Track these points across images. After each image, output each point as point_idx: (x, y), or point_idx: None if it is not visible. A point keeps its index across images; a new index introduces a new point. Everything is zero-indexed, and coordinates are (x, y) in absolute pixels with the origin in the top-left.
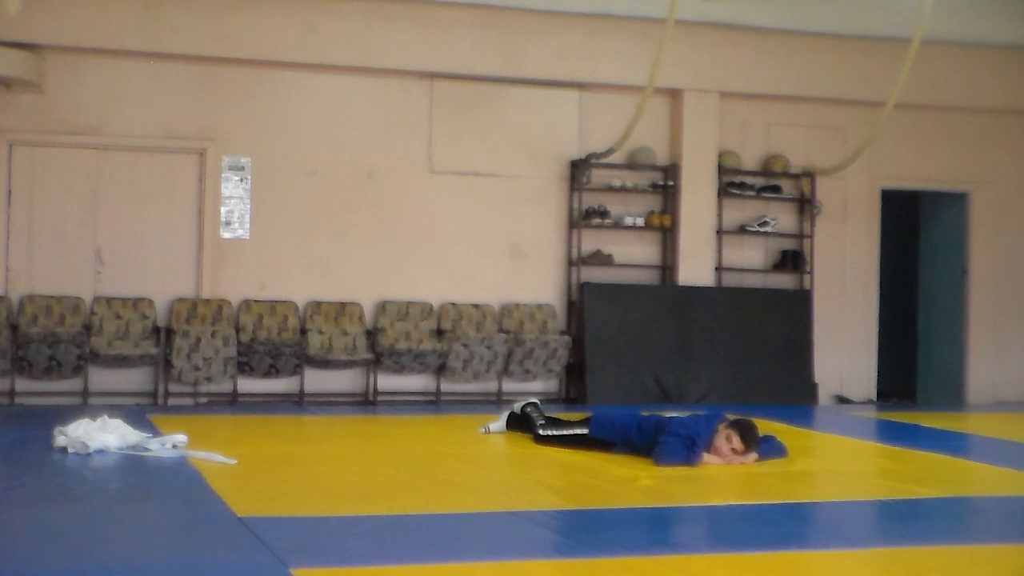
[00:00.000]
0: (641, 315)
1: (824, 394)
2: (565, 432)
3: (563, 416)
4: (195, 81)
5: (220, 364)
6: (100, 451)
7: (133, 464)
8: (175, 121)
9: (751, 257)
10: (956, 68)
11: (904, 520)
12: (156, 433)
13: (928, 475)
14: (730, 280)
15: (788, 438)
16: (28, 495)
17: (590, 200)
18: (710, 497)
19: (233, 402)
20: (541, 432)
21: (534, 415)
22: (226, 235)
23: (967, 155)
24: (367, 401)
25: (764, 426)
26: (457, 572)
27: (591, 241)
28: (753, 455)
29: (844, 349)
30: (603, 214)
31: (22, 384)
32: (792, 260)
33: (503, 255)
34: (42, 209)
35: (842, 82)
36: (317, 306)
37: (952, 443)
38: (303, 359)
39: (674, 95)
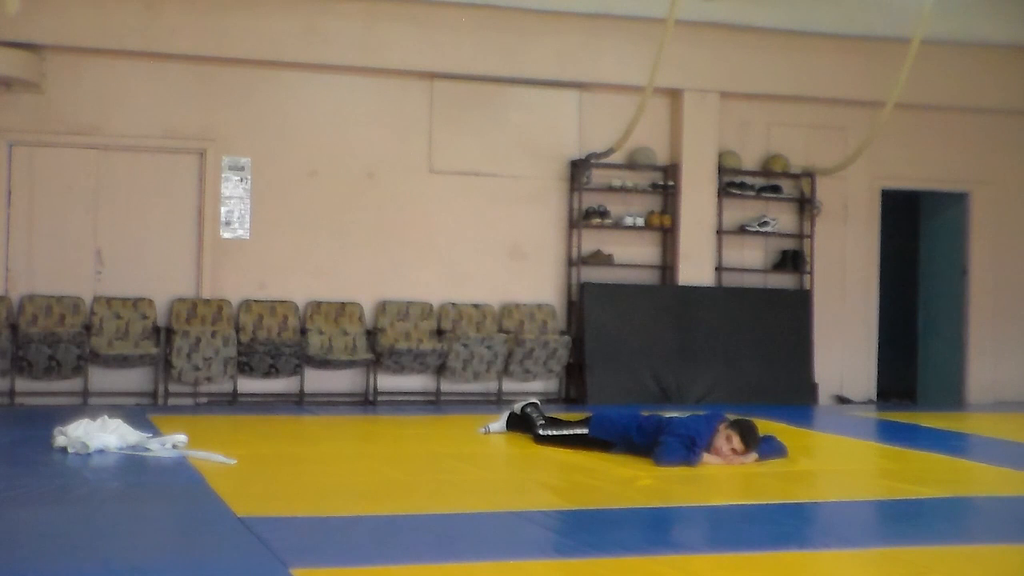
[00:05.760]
0: (641, 315)
1: (824, 394)
2: (565, 432)
3: (563, 416)
4: (195, 81)
5: (220, 364)
6: (100, 451)
7: (133, 464)
8: (175, 121)
9: (751, 257)
10: (956, 68)
11: (904, 520)
12: (156, 433)
13: (928, 475)
14: (730, 280)
15: (788, 438)
16: (28, 495)
17: (590, 200)
18: (710, 497)
19: (233, 402)
20: (541, 432)
21: (534, 415)
22: (226, 235)
23: (967, 155)
24: (367, 401)
25: (764, 426)
26: (457, 572)
27: (591, 241)
28: (753, 455)
29: (844, 349)
30: (603, 214)
31: (22, 384)
32: (792, 260)
33: (503, 255)
34: (42, 209)
35: (842, 82)
36: (317, 306)
37: (952, 443)
38: (303, 359)
39: (674, 95)
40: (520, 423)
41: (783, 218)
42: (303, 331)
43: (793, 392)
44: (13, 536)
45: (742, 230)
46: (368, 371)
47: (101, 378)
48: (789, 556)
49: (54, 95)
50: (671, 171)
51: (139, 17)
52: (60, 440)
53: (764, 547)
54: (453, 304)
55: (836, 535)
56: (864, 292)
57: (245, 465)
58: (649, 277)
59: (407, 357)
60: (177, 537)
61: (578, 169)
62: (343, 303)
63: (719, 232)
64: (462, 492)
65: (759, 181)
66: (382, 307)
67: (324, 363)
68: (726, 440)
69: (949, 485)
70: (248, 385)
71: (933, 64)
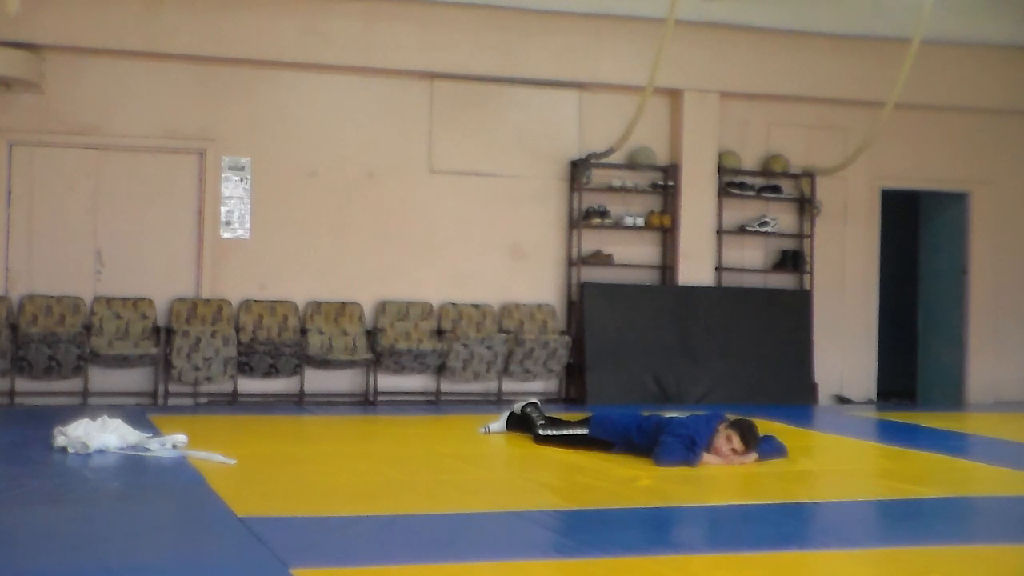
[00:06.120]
0: (641, 315)
1: (824, 394)
2: (565, 432)
3: (563, 416)
4: (195, 81)
5: (220, 364)
6: (100, 451)
7: (133, 464)
8: (175, 121)
9: (751, 257)
10: (956, 68)
11: (904, 520)
12: (156, 433)
13: (928, 475)
14: (730, 280)
15: (788, 438)
16: (28, 495)
17: (590, 200)
18: (710, 497)
19: (233, 402)
20: (541, 432)
21: (534, 415)
22: (226, 235)
23: (967, 155)
24: (367, 401)
25: (764, 426)
26: (457, 572)
27: (591, 241)
28: (753, 455)
29: (844, 349)
30: (603, 214)
31: (22, 384)
32: (792, 260)
33: (503, 255)
34: (42, 209)
35: (842, 82)
36: (317, 306)
37: (952, 443)
38: (303, 359)
39: (674, 95)
40: (520, 423)
41: (783, 218)
42: (303, 331)
43: (793, 392)
44: (13, 536)
45: (742, 230)
46: (368, 371)
47: (101, 378)
48: (789, 556)
49: (54, 95)
50: (671, 171)
51: (139, 17)
52: (60, 440)
53: (764, 547)
54: (453, 304)
55: (836, 535)
56: (864, 292)
57: (245, 465)
58: (649, 277)
59: (407, 357)
60: (177, 537)
61: (578, 169)
62: (343, 303)
63: (719, 232)
64: (462, 492)
65: (759, 181)
66: (382, 307)
67: (324, 363)
68: (726, 440)
69: (949, 485)
70: (248, 385)
71: (933, 64)
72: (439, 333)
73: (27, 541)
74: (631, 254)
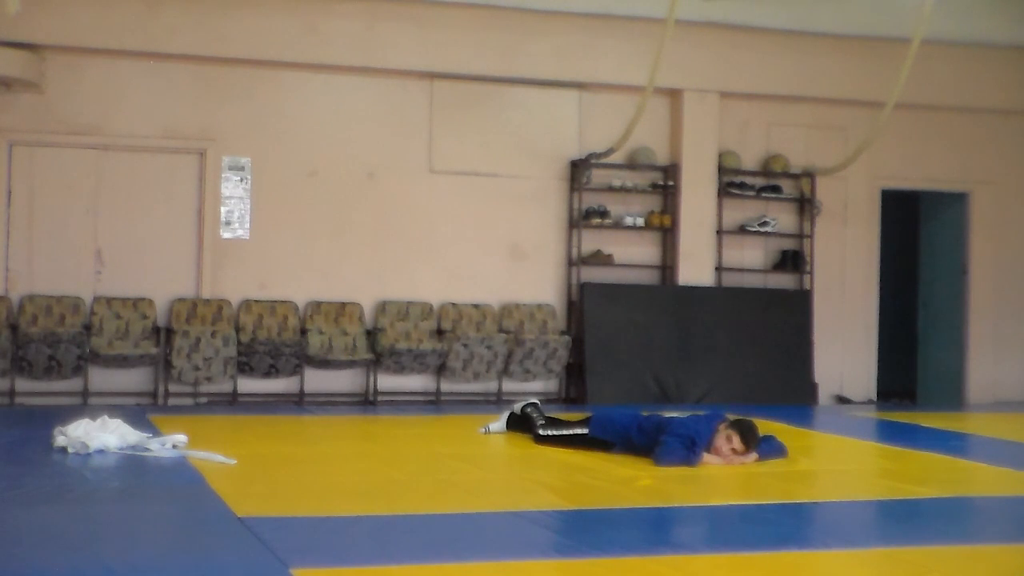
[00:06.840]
0: (641, 315)
1: (824, 394)
2: (565, 432)
3: (563, 416)
4: (195, 81)
5: (220, 364)
6: (100, 451)
7: (133, 464)
8: (175, 121)
9: (751, 257)
10: (956, 68)
11: (904, 520)
12: (156, 433)
13: (928, 475)
14: (730, 280)
15: (788, 438)
16: (28, 495)
17: (590, 200)
18: (710, 497)
19: (233, 402)
20: (541, 432)
21: (534, 415)
22: (226, 235)
23: (967, 155)
24: (367, 401)
25: (764, 426)
26: (457, 572)
27: (591, 241)
28: (753, 455)
29: (844, 349)
30: (603, 214)
31: (22, 384)
32: (792, 260)
33: (503, 255)
34: (42, 209)
35: (842, 82)
36: (317, 306)
37: (952, 443)
38: (303, 359)
39: (674, 95)
40: (520, 423)
41: (783, 218)
42: (303, 331)
43: (793, 392)
44: (13, 536)
45: (742, 230)
46: (368, 371)
47: (101, 378)
48: (789, 556)
49: (54, 95)
50: (671, 171)
51: (139, 17)
52: (60, 440)
53: (764, 547)
54: (453, 304)
55: (836, 535)
56: (864, 292)
57: (245, 465)
58: (649, 277)
59: (407, 357)
60: (177, 537)
61: (578, 169)
62: (343, 303)
63: (719, 232)
64: (462, 492)
65: (759, 181)
66: (382, 307)
67: (324, 363)
68: (726, 440)
69: (949, 485)
70: (248, 385)
71: (933, 64)
72: (439, 333)
73: (27, 541)
74: (631, 254)
